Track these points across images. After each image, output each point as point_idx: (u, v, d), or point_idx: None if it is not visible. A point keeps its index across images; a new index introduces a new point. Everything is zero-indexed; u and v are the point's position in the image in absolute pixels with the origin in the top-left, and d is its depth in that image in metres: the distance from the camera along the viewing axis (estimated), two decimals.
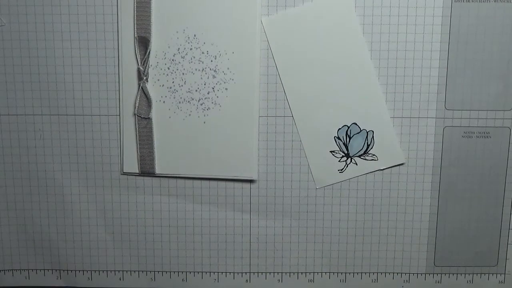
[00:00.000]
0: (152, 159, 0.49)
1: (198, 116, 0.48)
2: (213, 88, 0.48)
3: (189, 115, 0.48)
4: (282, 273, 0.52)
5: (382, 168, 0.49)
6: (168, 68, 0.48)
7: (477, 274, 0.52)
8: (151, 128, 0.49)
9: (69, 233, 0.52)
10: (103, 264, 0.52)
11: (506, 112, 0.48)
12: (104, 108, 0.49)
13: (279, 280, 0.52)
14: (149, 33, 0.47)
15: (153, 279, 0.52)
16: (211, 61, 0.47)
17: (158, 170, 0.49)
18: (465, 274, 0.52)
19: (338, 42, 0.47)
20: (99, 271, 0.52)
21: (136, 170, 0.50)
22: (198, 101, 0.48)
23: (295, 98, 0.48)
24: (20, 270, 0.53)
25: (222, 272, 0.52)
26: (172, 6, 0.46)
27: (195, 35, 0.47)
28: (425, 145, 0.49)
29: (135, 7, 0.47)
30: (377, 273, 0.52)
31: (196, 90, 0.48)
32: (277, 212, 0.51)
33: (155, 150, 0.49)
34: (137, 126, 0.49)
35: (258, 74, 0.48)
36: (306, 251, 0.52)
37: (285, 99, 0.48)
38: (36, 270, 0.53)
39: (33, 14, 0.47)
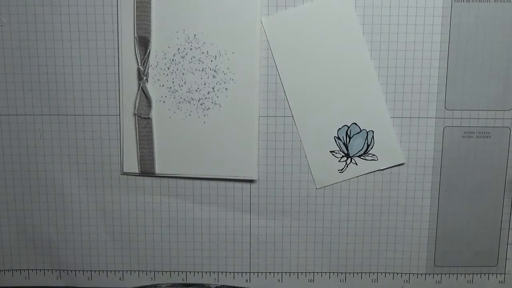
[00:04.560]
0: (152, 159, 0.49)
1: (198, 116, 0.48)
2: (213, 88, 0.48)
3: (189, 115, 0.48)
4: (282, 273, 0.52)
5: (382, 168, 0.49)
6: (168, 68, 0.48)
7: (477, 274, 0.52)
8: (151, 128, 0.49)
9: (69, 233, 0.52)
10: (103, 264, 0.52)
11: (506, 112, 0.48)
12: (104, 108, 0.49)
13: (279, 280, 0.52)
14: (149, 33, 0.47)
15: (153, 279, 0.52)
16: (211, 61, 0.47)
17: (158, 170, 0.49)
18: (465, 274, 0.52)
19: (338, 42, 0.47)
20: (99, 271, 0.52)
21: (136, 170, 0.50)
22: (198, 101, 0.48)
23: (295, 98, 0.48)
24: (20, 270, 0.53)
25: (222, 272, 0.52)
26: (172, 6, 0.46)
27: (195, 35, 0.47)
28: (425, 145, 0.49)
29: (135, 7, 0.47)
30: (377, 273, 0.52)
31: (196, 90, 0.48)
32: (277, 212, 0.51)
33: (155, 150, 0.49)
34: (137, 126, 0.49)
35: (258, 74, 0.48)
36: (306, 251, 0.52)
37: (285, 99, 0.48)
38: (36, 270, 0.53)
39: (33, 14, 0.47)
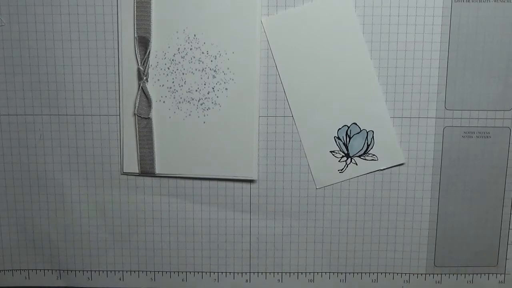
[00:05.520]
0: (152, 159, 0.49)
1: (198, 116, 0.48)
2: (213, 88, 0.48)
3: (189, 115, 0.48)
4: (282, 273, 0.52)
5: (382, 168, 0.49)
6: (168, 68, 0.48)
7: (477, 274, 0.52)
8: (151, 128, 0.49)
9: (69, 233, 0.52)
10: (103, 264, 0.52)
11: (506, 112, 0.48)
12: (104, 108, 0.49)
13: (279, 280, 0.52)
14: (149, 33, 0.47)
15: (153, 279, 0.52)
16: (211, 61, 0.47)
17: (158, 170, 0.49)
18: (465, 274, 0.52)
19: (338, 42, 0.47)
20: (99, 271, 0.52)
21: (136, 170, 0.50)
22: (198, 101, 0.48)
23: (295, 98, 0.48)
24: (20, 270, 0.53)
25: (222, 272, 0.52)
26: (172, 6, 0.46)
27: (195, 35, 0.47)
28: (425, 145, 0.49)
29: (135, 7, 0.47)
30: (377, 273, 0.52)
31: (196, 90, 0.48)
32: (277, 212, 0.51)
33: (155, 150, 0.49)
34: (137, 126, 0.49)
35: (258, 74, 0.48)
36: (306, 251, 0.52)
37: (285, 99, 0.48)
38: (36, 270, 0.53)
39: (33, 14, 0.47)
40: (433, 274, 0.52)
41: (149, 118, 0.48)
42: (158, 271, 0.52)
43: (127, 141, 0.49)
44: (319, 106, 0.48)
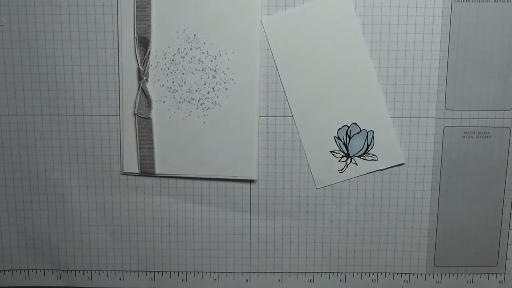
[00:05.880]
0: (152, 159, 0.49)
1: (198, 116, 0.48)
2: (213, 88, 0.48)
3: (189, 115, 0.48)
4: (282, 273, 0.52)
5: (382, 168, 0.49)
6: (168, 68, 0.48)
7: (477, 274, 0.52)
8: (151, 128, 0.49)
9: (69, 233, 0.52)
10: (103, 264, 0.52)
11: (506, 112, 0.48)
12: (104, 108, 0.49)
13: (279, 280, 0.52)
14: (149, 33, 0.47)
15: (153, 279, 0.52)
16: (211, 61, 0.47)
17: (158, 170, 0.49)
18: (465, 274, 0.52)
19: (338, 42, 0.47)
20: (99, 271, 0.52)
21: (136, 170, 0.50)
22: (198, 101, 0.48)
23: (295, 98, 0.48)
24: (20, 270, 0.53)
25: (222, 272, 0.52)
26: (172, 6, 0.46)
27: (195, 35, 0.47)
28: (425, 145, 0.49)
29: (135, 7, 0.47)
30: (377, 273, 0.52)
31: (196, 90, 0.48)
32: (277, 212, 0.51)
33: (155, 150, 0.49)
34: (137, 126, 0.49)
35: (258, 74, 0.48)
36: (306, 251, 0.52)
37: (285, 99, 0.48)
38: (36, 270, 0.53)
39: (33, 14, 0.47)
40: (433, 274, 0.52)
41: (149, 118, 0.48)
42: (158, 271, 0.52)
43: (127, 141, 0.49)
44: (319, 106, 0.48)
